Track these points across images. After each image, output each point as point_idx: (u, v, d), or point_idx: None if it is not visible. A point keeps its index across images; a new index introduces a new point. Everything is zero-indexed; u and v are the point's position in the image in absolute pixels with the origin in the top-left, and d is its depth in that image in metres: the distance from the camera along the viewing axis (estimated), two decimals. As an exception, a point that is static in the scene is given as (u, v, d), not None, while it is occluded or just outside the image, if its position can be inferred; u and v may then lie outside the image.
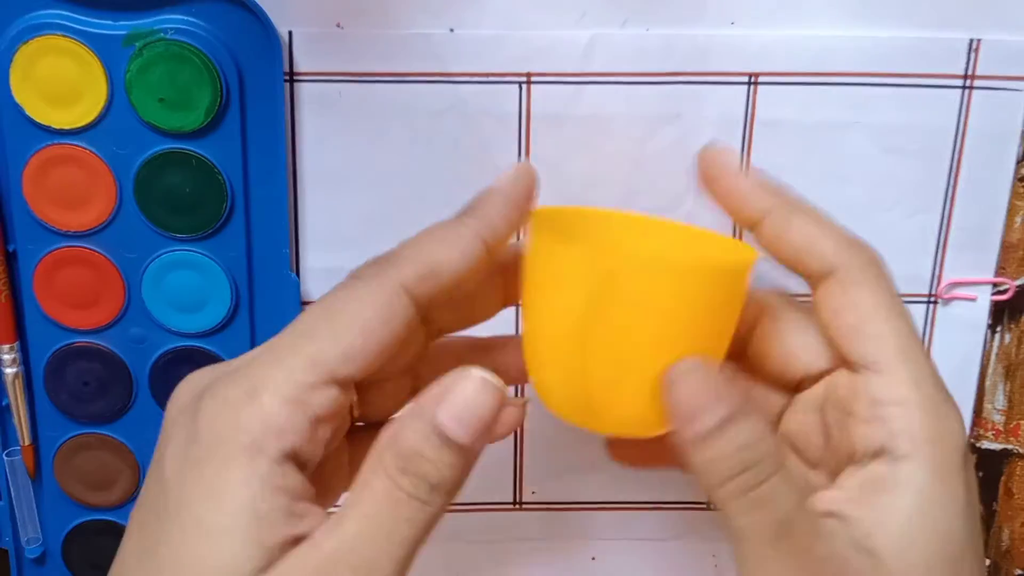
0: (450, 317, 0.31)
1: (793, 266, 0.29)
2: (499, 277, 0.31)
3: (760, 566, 0.26)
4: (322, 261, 0.39)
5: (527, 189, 0.29)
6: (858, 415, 0.27)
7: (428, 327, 0.31)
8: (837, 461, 0.28)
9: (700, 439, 0.26)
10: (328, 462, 0.29)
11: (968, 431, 0.41)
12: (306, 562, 0.24)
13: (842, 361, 0.28)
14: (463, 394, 0.26)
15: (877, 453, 0.27)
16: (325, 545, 0.24)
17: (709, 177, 0.30)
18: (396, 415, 0.26)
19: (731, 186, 0.30)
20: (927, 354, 0.28)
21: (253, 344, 0.39)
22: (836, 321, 0.28)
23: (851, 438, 0.28)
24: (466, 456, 0.26)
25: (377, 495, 0.25)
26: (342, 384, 0.26)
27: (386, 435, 0.26)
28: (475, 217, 0.28)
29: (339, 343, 0.25)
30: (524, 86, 0.37)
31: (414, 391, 0.31)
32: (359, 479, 0.25)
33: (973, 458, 0.28)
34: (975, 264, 0.39)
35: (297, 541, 0.24)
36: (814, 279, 0.29)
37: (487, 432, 0.26)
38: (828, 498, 0.27)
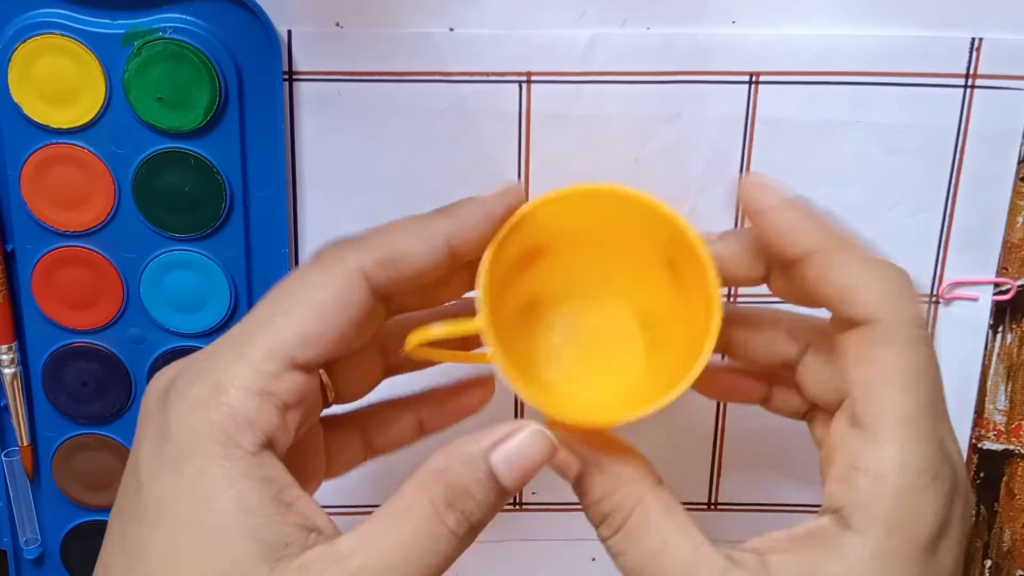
0: (411, 300, 0.31)
1: (829, 308, 0.28)
2: (464, 269, 0.31)
3: None
4: (321, 261, 0.38)
5: (508, 208, 0.29)
6: (834, 468, 0.26)
7: (388, 305, 0.31)
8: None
9: None
10: (303, 446, 0.30)
11: (968, 437, 0.41)
12: (331, 571, 0.24)
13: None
14: (518, 442, 0.26)
15: (835, 511, 0.26)
16: (355, 559, 0.24)
17: (752, 211, 0.28)
18: (445, 449, 0.26)
19: (774, 222, 0.28)
20: (939, 437, 0.26)
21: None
22: (853, 371, 0.27)
23: (825, 482, 0.27)
24: (504, 500, 0.26)
25: (419, 522, 0.25)
26: (304, 368, 0.26)
27: (435, 463, 0.26)
28: (448, 217, 0.28)
29: (295, 328, 0.26)
30: (524, 85, 0.37)
31: (385, 366, 0.32)
32: (400, 500, 0.25)
33: (950, 548, 0.26)
34: (976, 264, 0.39)
35: (295, 531, 0.24)
36: (846, 324, 0.27)
37: (528, 480, 0.26)
38: (770, 538, 0.27)
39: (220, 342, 0.26)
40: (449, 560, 0.25)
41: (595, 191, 0.29)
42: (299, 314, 0.26)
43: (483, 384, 0.33)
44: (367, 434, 0.33)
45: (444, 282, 0.31)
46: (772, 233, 0.28)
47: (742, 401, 0.34)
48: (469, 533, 0.25)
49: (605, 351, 0.34)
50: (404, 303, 0.31)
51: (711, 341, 0.29)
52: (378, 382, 0.32)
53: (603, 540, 0.28)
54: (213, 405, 0.25)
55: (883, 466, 0.25)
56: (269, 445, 0.25)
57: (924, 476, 0.25)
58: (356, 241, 0.27)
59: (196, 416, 0.25)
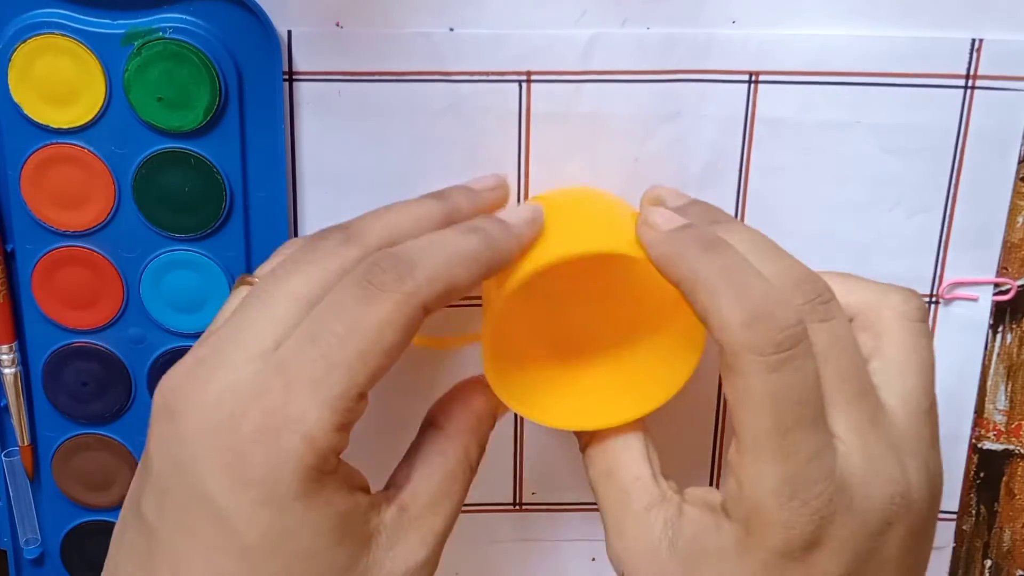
0: None
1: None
2: None
3: None
4: (321, 261, 0.38)
5: (536, 233, 0.31)
6: (727, 457, 0.29)
7: None
8: None
9: None
10: None
11: (970, 432, 0.41)
12: (412, 528, 0.29)
13: None
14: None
15: (723, 497, 0.29)
16: (417, 506, 0.29)
17: (641, 243, 0.30)
18: (465, 403, 0.32)
19: (652, 254, 0.30)
20: (798, 450, 0.27)
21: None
22: (725, 388, 0.28)
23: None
24: None
25: (454, 479, 0.30)
26: (366, 394, 0.27)
27: (466, 424, 0.32)
28: (491, 250, 0.29)
29: (369, 368, 0.26)
30: (524, 85, 0.37)
31: None
32: (438, 457, 0.30)
33: (828, 561, 0.27)
34: (976, 264, 0.39)
35: (366, 503, 0.28)
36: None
37: None
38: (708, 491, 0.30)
39: (286, 377, 0.26)
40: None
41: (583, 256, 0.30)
42: (370, 355, 0.26)
43: None
44: None
45: None
46: (655, 266, 0.30)
47: None
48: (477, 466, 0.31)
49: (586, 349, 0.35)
50: None
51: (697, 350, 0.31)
52: None
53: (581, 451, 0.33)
54: (308, 455, 0.26)
55: (743, 475, 0.27)
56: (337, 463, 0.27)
57: (779, 494, 0.27)
58: (411, 268, 0.27)
59: (291, 466, 0.25)
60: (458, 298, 0.28)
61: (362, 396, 0.27)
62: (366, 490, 0.28)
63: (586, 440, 0.33)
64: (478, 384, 0.32)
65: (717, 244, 0.29)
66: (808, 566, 0.27)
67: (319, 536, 0.26)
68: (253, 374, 0.26)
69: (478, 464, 0.31)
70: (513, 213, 0.31)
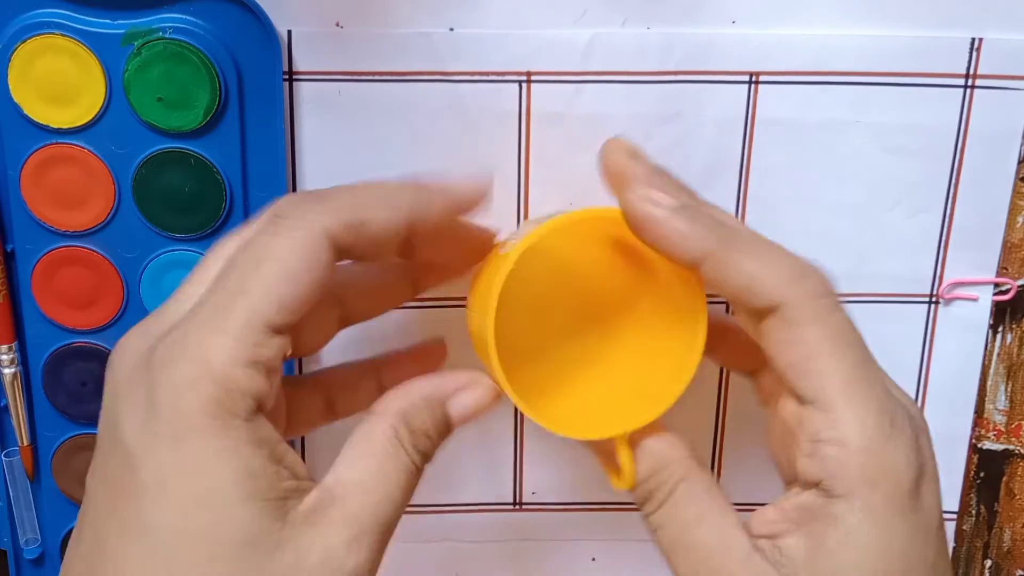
0: (362, 305, 0.33)
1: (738, 304, 0.29)
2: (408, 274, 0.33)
3: None
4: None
5: (472, 198, 0.30)
6: (800, 447, 0.27)
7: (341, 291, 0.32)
8: (789, 464, 0.29)
9: None
10: None
11: (970, 432, 0.41)
12: (333, 514, 0.26)
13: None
14: (475, 397, 0.30)
15: (815, 485, 0.27)
16: (348, 500, 0.27)
17: (635, 222, 0.29)
18: (406, 390, 0.29)
19: (663, 233, 0.28)
20: (883, 386, 0.27)
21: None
22: (780, 358, 0.28)
23: (794, 463, 0.28)
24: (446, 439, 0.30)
25: (388, 458, 0.28)
26: (281, 331, 0.26)
27: (397, 404, 0.29)
28: (416, 191, 0.29)
29: (270, 295, 0.26)
30: (524, 85, 0.37)
31: (340, 316, 0.33)
32: (368, 440, 0.28)
33: (931, 489, 0.27)
34: (976, 264, 0.39)
35: (290, 483, 0.26)
36: (760, 315, 0.28)
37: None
38: (765, 520, 0.28)
39: (195, 313, 0.26)
40: (411, 491, 0.28)
41: (573, 221, 0.30)
42: (273, 281, 0.26)
43: (438, 347, 0.35)
44: (329, 396, 0.34)
45: (390, 286, 0.34)
46: (663, 244, 0.28)
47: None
48: (423, 466, 0.29)
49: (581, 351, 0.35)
50: (353, 310, 0.33)
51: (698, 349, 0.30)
52: (334, 333, 0.33)
53: (646, 518, 0.30)
54: (206, 382, 0.25)
55: (843, 433, 0.26)
56: (259, 408, 0.26)
57: (882, 427, 0.26)
58: (320, 199, 0.28)
59: (190, 395, 0.25)
60: (380, 239, 0.28)
61: (275, 331, 0.26)
62: (286, 467, 0.26)
63: (655, 504, 0.30)
64: (425, 373, 0.32)
65: (725, 217, 0.29)
66: (922, 499, 0.27)
67: (219, 484, 0.24)
68: (176, 318, 0.27)
69: (423, 451, 0.29)
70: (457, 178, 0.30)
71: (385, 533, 0.27)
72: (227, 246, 0.28)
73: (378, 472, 0.28)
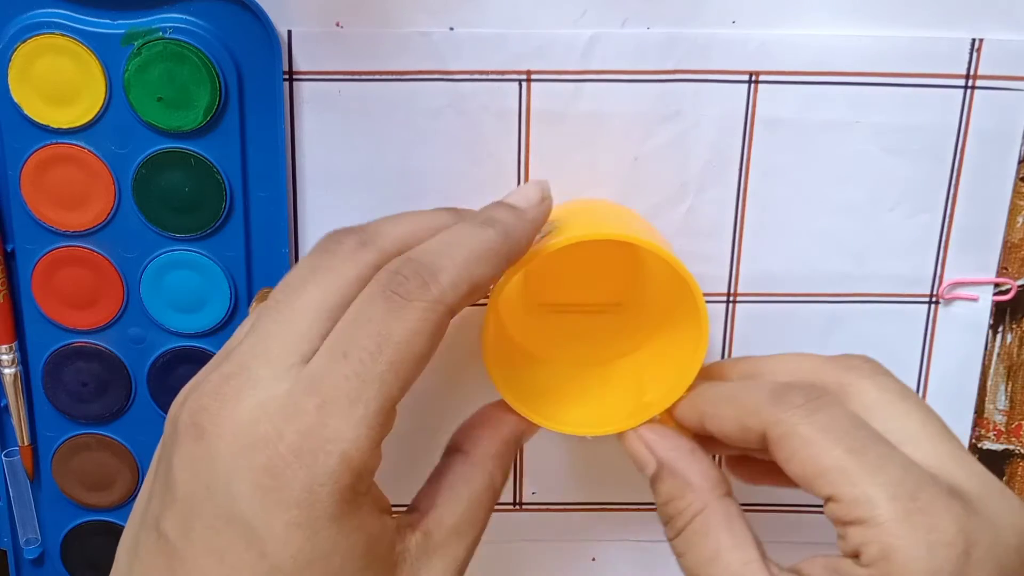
0: None
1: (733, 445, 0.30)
2: None
3: None
4: (321, 261, 0.38)
5: (547, 212, 0.31)
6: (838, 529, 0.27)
7: None
8: None
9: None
10: None
11: (970, 432, 0.41)
12: (437, 555, 0.29)
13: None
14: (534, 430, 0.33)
15: (853, 553, 0.27)
16: (443, 532, 0.29)
17: (775, 439, 0.29)
18: (486, 427, 0.32)
19: (798, 452, 0.28)
20: (899, 462, 0.27)
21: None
22: (788, 470, 0.28)
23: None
24: None
25: (480, 507, 0.30)
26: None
27: (491, 449, 0.31)
28: (507, 241, 0.29)
29: (402, 380, 0.26)
30: (524, 84, 0.37)
31: None
32: (464, 485, 0.30)
33: (994, 551, 0.26)
34: (977, 264, 0.39)
35: (392, 525, 0.28)
36: (759, 442, 0.29)
37: None
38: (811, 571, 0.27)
39: (329, 400, 0.25)
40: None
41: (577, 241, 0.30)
42: (403, 368, 0.26)
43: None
44: None
45: None
46: (792, 465, 0.28)
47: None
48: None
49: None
50: None
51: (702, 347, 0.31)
52: None
53: (668, 540, 0.30)
54: (346, 475, 0.25)
55: (862, 514, 0.26)
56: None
57: (897, 499, 0.26)
58: (435, 271, 0.27)
59: (331, 486, 0.25)
60: (483, 295, 0.28)
61: (393, 409, 0.26)
62: (390, 512, 0.28)
63: (673, 531, 0.30)
64: (503, 409, 0.32)
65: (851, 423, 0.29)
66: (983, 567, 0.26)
67: (349, 560, 0.26)
68: (285, 392, 0.26)
69: (502, 490, 0.31)
70: (521, 195, 0.31)
71: (465, 570, 0.29)
72: (310, 293, 0.27)
73: (473, 518, 0.30)
